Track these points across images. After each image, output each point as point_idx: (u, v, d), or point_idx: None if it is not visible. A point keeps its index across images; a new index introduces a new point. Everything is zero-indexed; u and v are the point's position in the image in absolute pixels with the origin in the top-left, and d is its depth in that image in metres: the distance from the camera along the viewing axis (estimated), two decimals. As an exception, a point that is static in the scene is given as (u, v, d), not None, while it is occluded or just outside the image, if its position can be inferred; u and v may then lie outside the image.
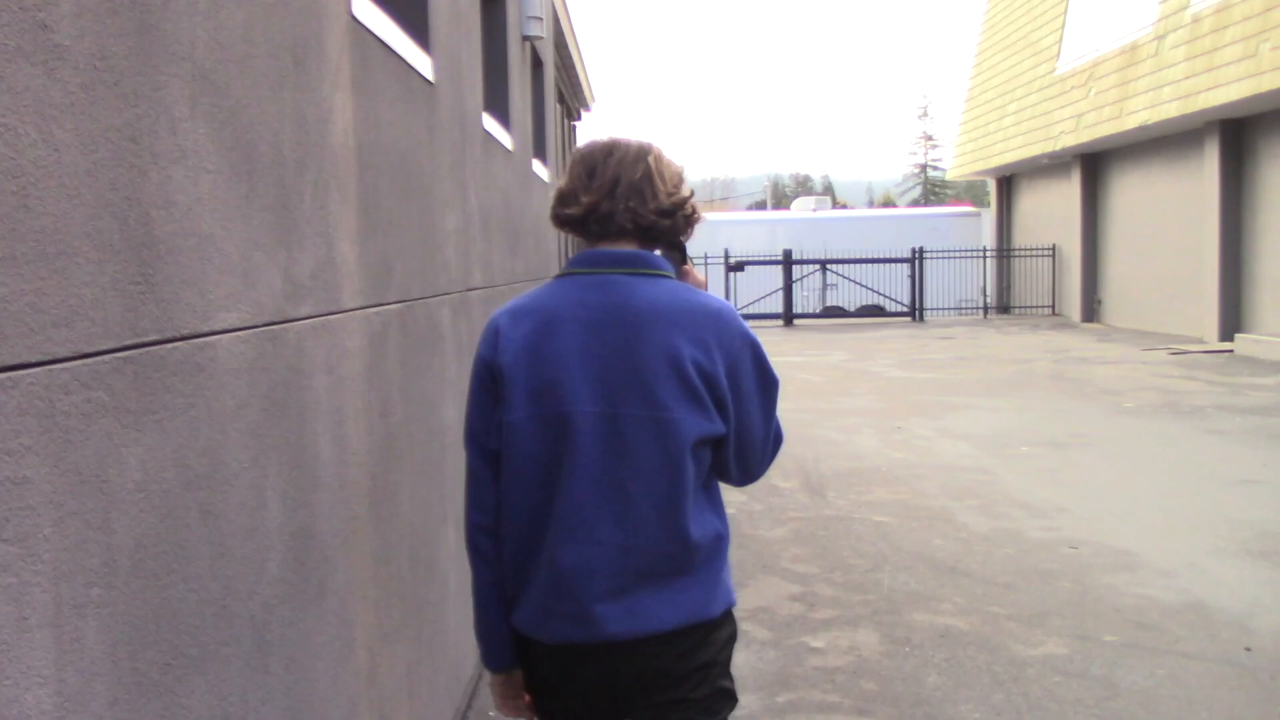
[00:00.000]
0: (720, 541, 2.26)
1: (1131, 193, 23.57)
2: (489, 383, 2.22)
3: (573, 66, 15.16)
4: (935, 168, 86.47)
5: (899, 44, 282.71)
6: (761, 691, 4.75)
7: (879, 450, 10.32)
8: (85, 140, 1.43)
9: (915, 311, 28.40)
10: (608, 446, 2.13)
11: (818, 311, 29.23)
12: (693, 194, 2.33)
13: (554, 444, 2.15)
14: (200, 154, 1.80)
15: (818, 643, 5.34)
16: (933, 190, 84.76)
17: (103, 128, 1.48)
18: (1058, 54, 25.22)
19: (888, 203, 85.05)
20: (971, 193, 78.48)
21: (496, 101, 5.82)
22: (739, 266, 28.19)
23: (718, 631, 2.25)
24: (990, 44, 30.51)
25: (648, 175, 2.23)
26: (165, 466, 1.66)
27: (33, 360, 1.31)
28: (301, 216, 2.31)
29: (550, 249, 8.26)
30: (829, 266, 28.89)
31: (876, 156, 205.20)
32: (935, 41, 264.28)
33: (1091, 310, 25.64)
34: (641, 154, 2.25)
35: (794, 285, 28.56)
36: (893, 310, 28.90)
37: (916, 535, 7.25)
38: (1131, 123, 20.61)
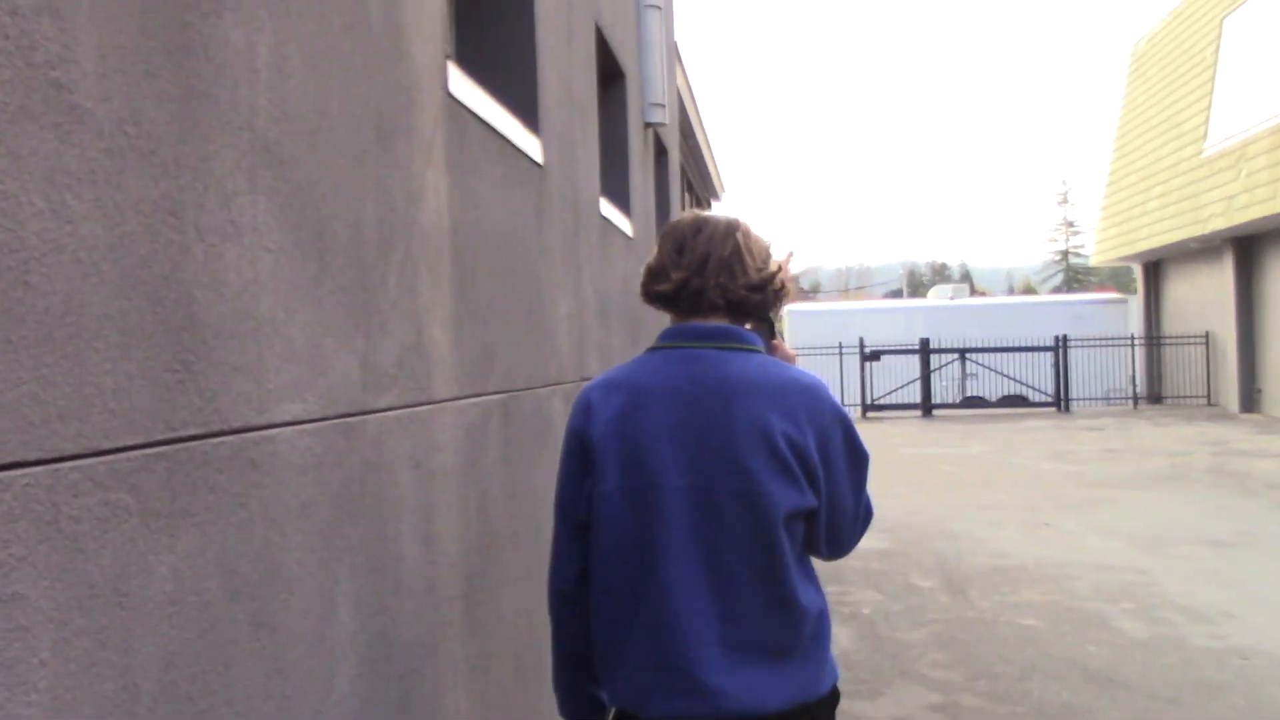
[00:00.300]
0: (824, 618, 2.26)
1: (1290, 276, 22.47)
2: (579, 454, 2.26)
3: (701, 155, 15.15)
4: (1077, 254, 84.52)
5: (1037, 129, 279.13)
6: (898, 813, 4.37)
7: (1025, 547, 9.79)
8: (108, 212, 1.29)
9: (1060, 402, 27.40)
10: (701, 519, 2.15)
11: (957, 401, 28.45)
12: (780, 268, 2.36)
13: (645, 516, 2.17)
14: (259, 230, 1.66)
15: (960, 759, 4.93)
16: (1075, 277, 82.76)
17: (133, 199, 1.34)
18: (1204, 135, 24.38)
19: (1028, 290, 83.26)
20: (1116, 279, 76.28)
21: (615, 187, 5.70)
22: (875, 356, 27.66)
23: (826, 706, 2.26)
24: (1131, 127, 29.73)
25: (737, 251, 2.26)
26: (206, 575, 1.49)
27: (30, 459, 1.15)
28: (385, 299, 2.16)
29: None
30: (968, 356, 28.15)
31: (1015, 243, 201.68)
32: (1074, 126, 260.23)
33: (1250, 400, 24.38)
34: (730, 230, 2.29)
35: (932, 375, 27.88)
36: (1036, 400, 27.94)
37: (1068, 640, 6.75)
38: (1288, 203, 19.69)
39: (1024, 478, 14.83)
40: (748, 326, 2.31)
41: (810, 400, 2.19)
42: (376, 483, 2.08)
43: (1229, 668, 6.13)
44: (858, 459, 2.28)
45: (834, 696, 2.29)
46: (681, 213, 2.48)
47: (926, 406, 27.50)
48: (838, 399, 2.24)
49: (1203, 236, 23.91)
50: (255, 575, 1.62)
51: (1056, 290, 77.56)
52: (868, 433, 23.56)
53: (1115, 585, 8.22)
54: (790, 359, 2.41)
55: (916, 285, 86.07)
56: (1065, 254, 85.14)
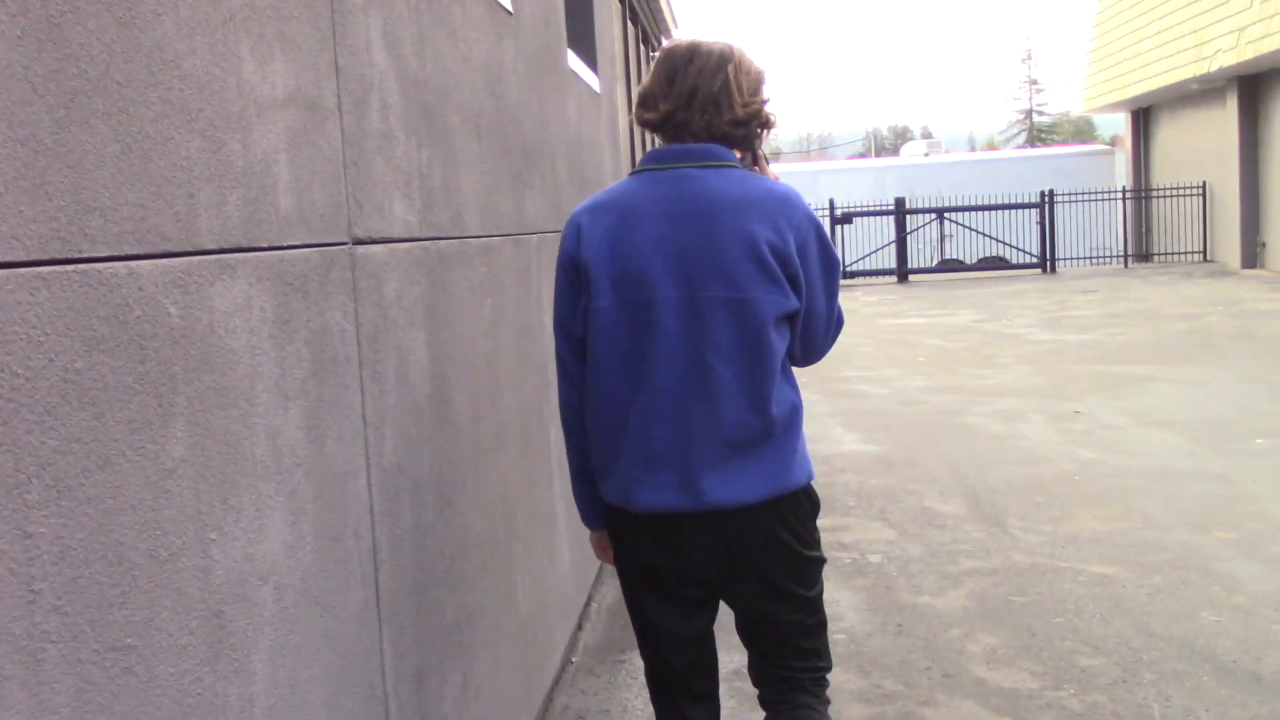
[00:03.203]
0: (796, 411, 2.40)
1: (1303, 116, 20.30)
2: (573, 276, 2.38)
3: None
4: (1041, 113, 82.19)
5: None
6: None
7: (1060, 447, 7.76)
8: None
9: (1045, 262, 25.35)
10: (691, 328, 2.28)
11: (933, 265, 26.36)
12: (768, 100, 2.43)
13: (639, 329, 2.30)
14: None
15: None
16: (1038, 135, 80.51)
17: None
18: (1209, -40, 21.90)
19: (992, 150, 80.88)
20: (1079, 137, 74.00)
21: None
22: (846, 219, 25.41)
23: (800, 504, 2.41)
24: (1121, -40, 27.12)
25: (725, 87, 2.35)
26: None
27: None
28: None
29: (604, 183, 5.85)
30: (946, 215, 25.95)
31: (977, 105, 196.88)
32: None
33: (1253, 255, 22.43)
34: (721, 63, 2.36)
35: (908, 237, 25.69)
36: (1017, 262, 25.88)
37: (1168, 603, 4.73)
38: (1311, 31, 17.43)
39: (1028, 352, 12.81)
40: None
41: (788, 208, 2.33)
42: None
43: None
44: (830, 263, 2.41)
45: (809, 495, 2.44)
46: (678, 39, 2.46)
47: (902, 271, 25.39)
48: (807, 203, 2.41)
49: (1206, 75, 21.63)
50: None
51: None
52: (841, 303, 21.44)
53: (1196, 502, 6.21)
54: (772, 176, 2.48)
55: (879, 150, 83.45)
56: (1029, 113, 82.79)
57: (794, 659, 2.48)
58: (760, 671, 2.53)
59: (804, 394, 2.55)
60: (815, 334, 2.44)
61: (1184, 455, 7.32)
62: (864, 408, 9.57)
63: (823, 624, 2.53)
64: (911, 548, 5.65)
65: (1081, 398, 9.56)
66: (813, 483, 2.45)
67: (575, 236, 2.36)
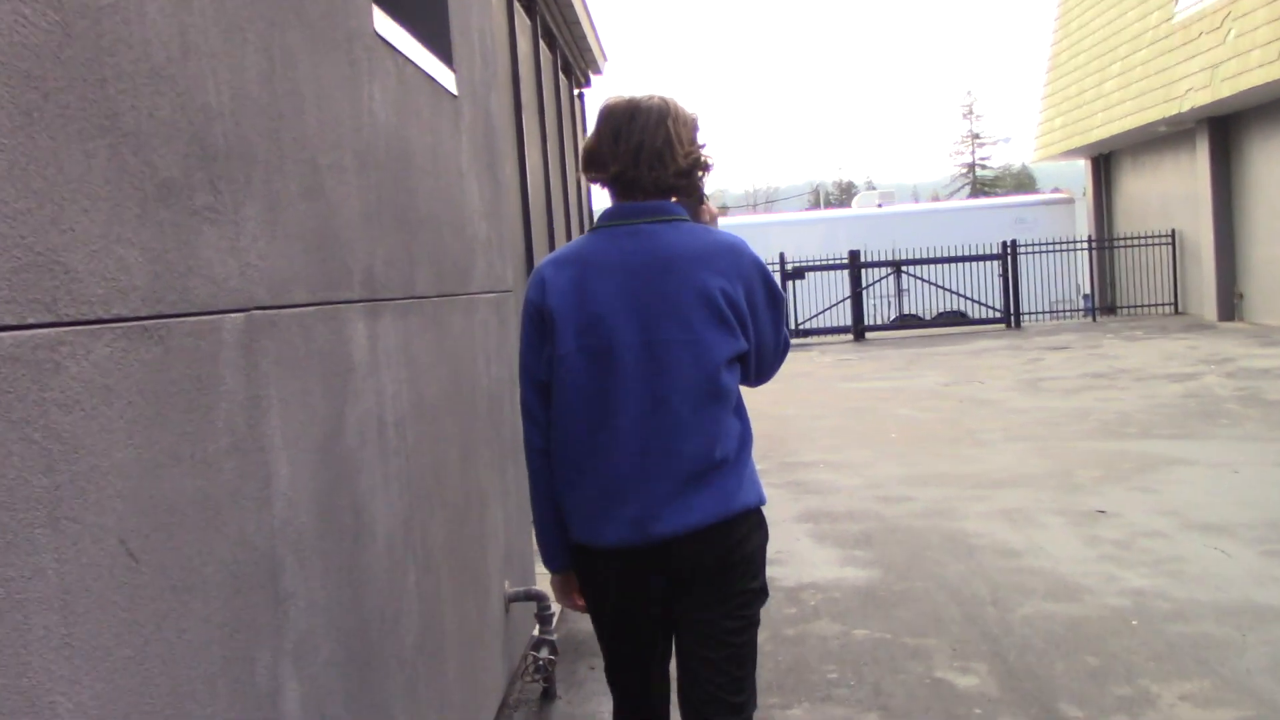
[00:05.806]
0: (745, 439, 2.59)
1: (1282, 158, 18.93)
2: (538, 323, 2.55)
3: (576, 21, 11.01)
4: (984, 166, 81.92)
5: (937, 43, 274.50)
6: None
7: (1097, 568, 5.91)
8: None
9: (1010, 317, 23.76)
10: (649, 370, 2.45)
11: (891, 322, 24.70)
12: (704, 144, 2.63)
13: (601, 373, 2.47)
14: None
15: None
16: (981, 188, 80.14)
17: None
18: (1175, -4, 20.63)
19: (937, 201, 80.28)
20: (1022, 189, 73.59)
21: None
22: (798, 273, 23.68)
23: (751, 529, 2.57)
24: (1076, 1, 25.90)
25: (668, 141, 2.53)
26: None
27: None
28: None
29: (462, 223, 3.91)
30: (904, 269, 24.33)
31: (919, 160, 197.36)
32: (975, 37, 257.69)
33: (1230, 307, 20.98)
34: (661, 118, 2.54)
35: (863, 292, 24.01)
36: (978, 316, 24.28)
37: None
38: (1297, 65, 16.03)
39: (1014, 424, 11.03)
40: (673, 200, 2.59)
41: (736, 258, 2.52)
42: None
43: None
44: (776, 301, 2.63)
45: (760, 522, 2.60)
46: (615, 95, 2.60)
47: (859, 329, 23.66)
48: (755, 251, 2.60)
49: (1176, 117, 20.25)
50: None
51: (970, 201, 74.56)
52: (794, 365, 19.60)
53: (1316, 665, 4.39)
54: (714, 217, 2.76)
55: (825, 204, 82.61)
56: (971, 167, 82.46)
57: (722, 685, 2.56)
58: (688, 698, 2.61)
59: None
60: (765, 361, 2.69)
61: (1265, 581, 5.51)
62: (835, 508, 7.71)
63: (753, 655, 2.62)
64: (930, 765, 3.75)
65: (1098, 489, 7.76)
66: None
67: (541, 287, 2.54)
